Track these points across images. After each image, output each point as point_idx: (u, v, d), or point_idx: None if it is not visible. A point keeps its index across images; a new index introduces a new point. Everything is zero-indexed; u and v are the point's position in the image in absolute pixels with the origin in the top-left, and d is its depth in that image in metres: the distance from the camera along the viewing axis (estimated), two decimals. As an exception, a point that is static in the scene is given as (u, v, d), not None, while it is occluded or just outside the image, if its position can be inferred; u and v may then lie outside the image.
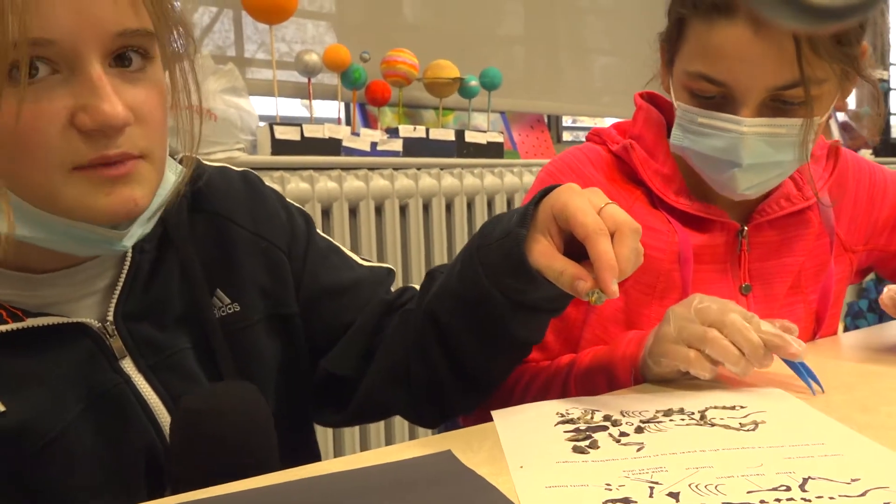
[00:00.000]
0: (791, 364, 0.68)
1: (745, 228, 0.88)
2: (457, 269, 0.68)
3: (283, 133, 1.75)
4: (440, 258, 1.93)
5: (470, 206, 2.01)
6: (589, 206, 0.59)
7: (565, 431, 0.59)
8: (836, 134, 3.66)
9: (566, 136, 2.77)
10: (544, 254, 0.61)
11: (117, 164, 0.54)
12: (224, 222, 0.70)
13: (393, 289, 0.81)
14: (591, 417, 0.61)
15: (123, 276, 0.64)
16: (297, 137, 1.77)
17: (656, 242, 0.85)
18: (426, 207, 1.92)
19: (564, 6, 2.55)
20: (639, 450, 0.54)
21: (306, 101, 1.99)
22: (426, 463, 0.52)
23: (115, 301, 0.63)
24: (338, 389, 0.77)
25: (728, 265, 0.88)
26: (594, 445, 0.55)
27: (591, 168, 0.88)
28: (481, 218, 2.02)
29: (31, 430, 0.57)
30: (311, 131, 1.78)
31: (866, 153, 3.73)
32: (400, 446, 0.57)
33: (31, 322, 0.58)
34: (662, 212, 0.86)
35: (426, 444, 0.57)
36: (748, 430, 0.57)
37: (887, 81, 4.09)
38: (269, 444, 0.60)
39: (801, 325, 0.91)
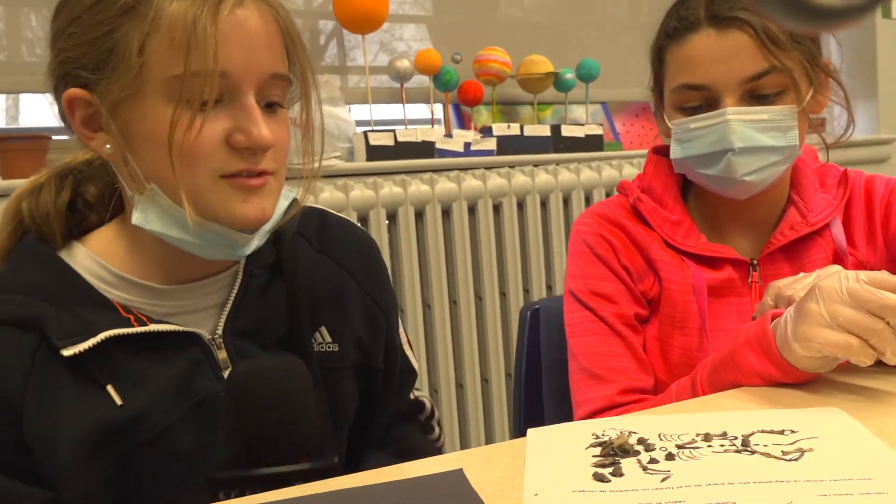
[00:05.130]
0: None
1: (755, 262, 0.91)
2: None
3: (377, 139, 1.79)
4: (535, 256, 1.91)
5: (566, 202, 1.98)
6: None
7: (594, 455, 0.57)
8: None
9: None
10: None
11: (257, 177, 0.66)
12: (343, 273, 0.80)
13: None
14: (627, 440, 0.59)
15: (234, 294, 0.72)
16: (391, 143, 1.81)
17: (673, 276, 0.91)
18: (520, 205, 1.91)
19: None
20: (663, 480, 0.52)
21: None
22: (434, 482, 0.53)
23: (224, 317, 0.71)
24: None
25: (745, 297, 0.91)
26: (618, 473, 0.54)
27: (619, 217, 0.95)
28: (578, 214, 1.97)
29: (141, 424, 0.65)
30: (404, 136, 1.82)
31: None
32: (419, 463, 0.58)
33: (153, 327, 0.66)
34: (675, 252, 0.92)
35: (445, 462, 0.57)
36: (790, 460, 0.53)
37: None
38: (306, 401, 0.63)
39: None
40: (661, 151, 0.99)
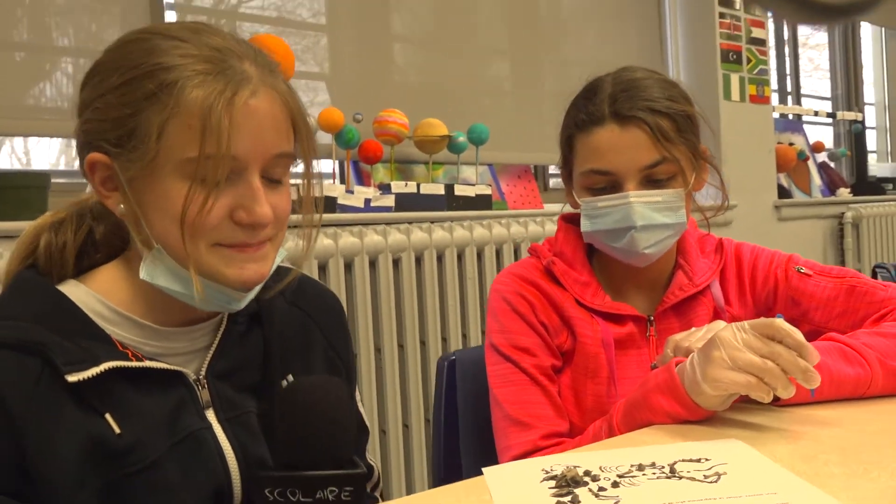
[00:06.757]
0: None
1: (652, 318, 1.05)
2: None
3: (280, 193, 1.82)
4: (432, 310, 2.00)
5: (460, 257, 2.09)
6: None
7: (550, 487, 0.65)
8: (815, 175, 3.79)
9: (552, 184, 2.87)
10: None
11: (254, 247, 0.71)
12: (312, 325, 0.87)
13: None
14: (574, 473, 0.68)
15: (217, 340, 0.78)
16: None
17: (585, 331, 1.03)
18: (418, 261, 2.00)
19: (549, 60, 2.67)
20: (615, 503, 0.61)
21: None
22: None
23: (208, 360, 0.76)
24: None
25: (644, 349, 1.05)
26: (576, 500, 0.62)
27: (534, 277, 1.06)
28: (471, 269, 2.09)
29: (134, 454, 0.68)
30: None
31: (844, 192, 3.86)
32: (396, 502, 0.63)
33: (148, 364, 0.71)
34: (585, 310, 1.04)
35: (420, 500, 0.63)
36: (711, 482, 0.64)
37: (861, 122, 4.25)
38: (343, 417, 0.70)
39: None
40: (570, 219, 1.11)
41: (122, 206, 0.71)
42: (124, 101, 0.68)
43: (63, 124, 1.77)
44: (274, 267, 0.77)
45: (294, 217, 0.78)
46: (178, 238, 0.68)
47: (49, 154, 1.99)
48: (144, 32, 0.71)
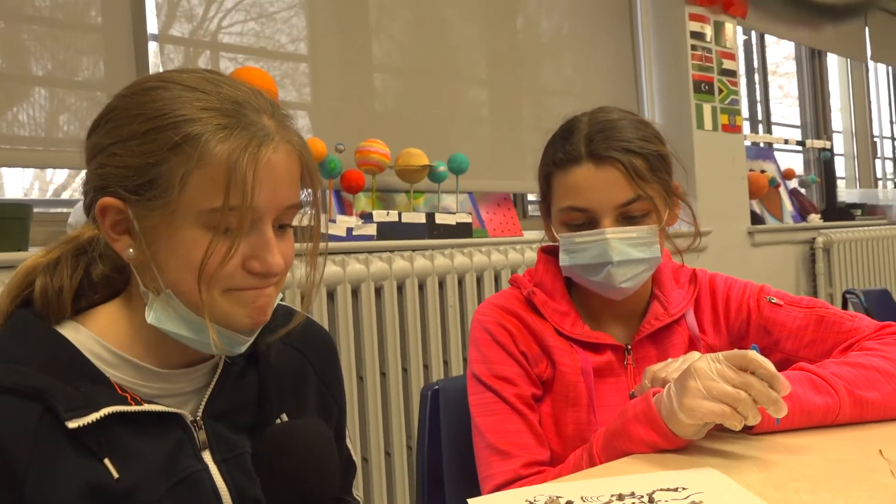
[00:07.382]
0: None
1: (629, 347, 1.08)
2: None
3: (263, 222, 1.84)
4: (414, 338, 2.02)
5: (442, 285, 2.11)
6: None
7: (533, 517, 0.68)
8: (786, 201, 3.88)
9: (531, 211, 2.91)
10: None
11: (263, 290, 0.73)
12: (305, 363, 0.88)
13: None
14: (558, 502, 0.70)
15: (214, 381, 0.79)
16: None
17: (565, 360, 1.05)
18: (400, 289, 2.02)
19: (527, 90, 2.73)
20: (595, 533, 0.64)
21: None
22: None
23: (205, 401, 0.77)
24: None
25: (622, 377, 1.08)
26: (557, 530, 0.64)
27: (515, 308, 1.09)
28: (452, 297, 2.12)
29: (133, 497, 0.68)
30: (289, 220, 1.88)
31: (815, 218, 3.95)
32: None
33: (146, 407, 0.72)
34: (565, 339, 1.07)
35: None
36: (688, 512, 0.67)
37: (830, 150, 4.36)
38: (330, 458, 0.75)
39: None
40: (549, 251, 1.15)
41: (131, 250, 0.71)
42: (146, 149, 0.68)
43: (37, 154, 1.77)
44: (273, 307, 0.78)
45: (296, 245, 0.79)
46: (192, 285, 0.69)
47: (23, 180, 1.99)
48: (163, 81, 0.71)
